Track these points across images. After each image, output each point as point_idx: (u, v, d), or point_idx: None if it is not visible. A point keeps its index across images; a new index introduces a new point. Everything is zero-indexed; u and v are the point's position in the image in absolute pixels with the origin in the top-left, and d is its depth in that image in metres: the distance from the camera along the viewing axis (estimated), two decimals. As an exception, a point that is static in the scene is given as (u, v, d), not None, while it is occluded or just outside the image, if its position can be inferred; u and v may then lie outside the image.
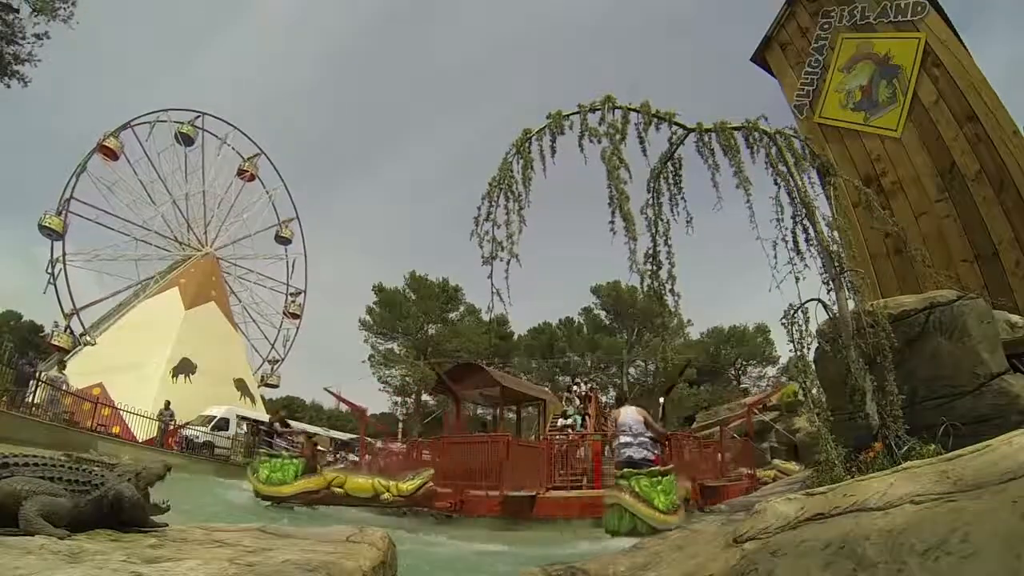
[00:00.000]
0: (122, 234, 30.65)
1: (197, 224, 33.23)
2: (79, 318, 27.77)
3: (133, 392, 21.80)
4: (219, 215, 33.96)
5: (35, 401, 15.75)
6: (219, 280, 32.98)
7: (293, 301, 37.42)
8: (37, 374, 16.92)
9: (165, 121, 31.47)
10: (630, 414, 7.41)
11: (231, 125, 34.40)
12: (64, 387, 17.46)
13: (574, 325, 44.43)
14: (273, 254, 36.95)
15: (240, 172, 34.48)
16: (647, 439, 7.38)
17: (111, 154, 29.55)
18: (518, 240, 4.78)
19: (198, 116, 32.76)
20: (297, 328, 37.69)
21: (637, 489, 7.05)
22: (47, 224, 27.39)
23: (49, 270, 27.50)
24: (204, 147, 33.15)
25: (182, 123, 31.82)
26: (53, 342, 27.34)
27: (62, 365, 24.93)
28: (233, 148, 34.47)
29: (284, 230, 36.66)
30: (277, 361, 37.11)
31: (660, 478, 7.27)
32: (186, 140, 32.01)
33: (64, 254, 27.67)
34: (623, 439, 7.38)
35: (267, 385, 36.69)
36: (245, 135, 34.97)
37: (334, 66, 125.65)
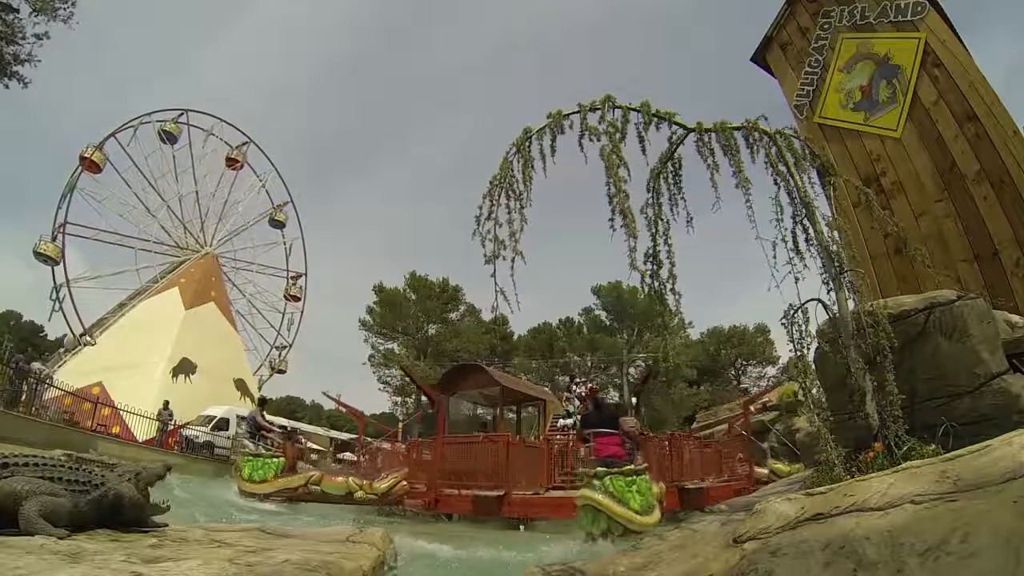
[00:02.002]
0: (122, 247, 30.65)
1: (193, 224, 33.17)
2: (89, 336, 27.61)
3: (133, 392, 21.79)
4: (214, 211, 33.91)
5: (31, 400, 15.71)
6: (219, 280, 32.96)
7: (294, 284, 37.55)
8: (36, 372, 16.89)
9: (148, 123, 31.13)
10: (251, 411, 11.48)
11: (216, 117, 34.07)
12: (48, 380, 17.37)
13: (574, 325, 44.43)
14: (271, 240, 37.06)
15: (230, 162, 34.21)
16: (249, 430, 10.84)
17: (95, 168, 29.09)
18: (520, 238, 4.77)
19: (181, 113, 32.44)
20: (301, 311, 37.88)
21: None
22: (42, 251, 27.13)
23: (53, 296, 27.35)
24: (191, 144, 32.90)
25: (165, 122, 31.48)
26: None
27: (44, 358, 24.91)
28: (221, 139, 34.23)
29: (278, 214, 36.64)
30: (285, 347, 37.29)
31: (251, 458, 11.15)
32: (170, 138, 31.58)
33: (68, 280, 27.44)
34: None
35: (277, 371, 36.86)
36: (231, 125, 34.70)
37: (334, 67, 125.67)
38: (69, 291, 27.35)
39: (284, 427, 23.46)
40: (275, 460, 11.45)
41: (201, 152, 33.27)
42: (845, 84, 8.86)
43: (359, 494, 10.78)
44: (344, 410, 17.51)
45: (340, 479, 11.36)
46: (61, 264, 27.44)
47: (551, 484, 10.42)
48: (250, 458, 11.53)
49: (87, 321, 28.00)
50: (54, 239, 27.58)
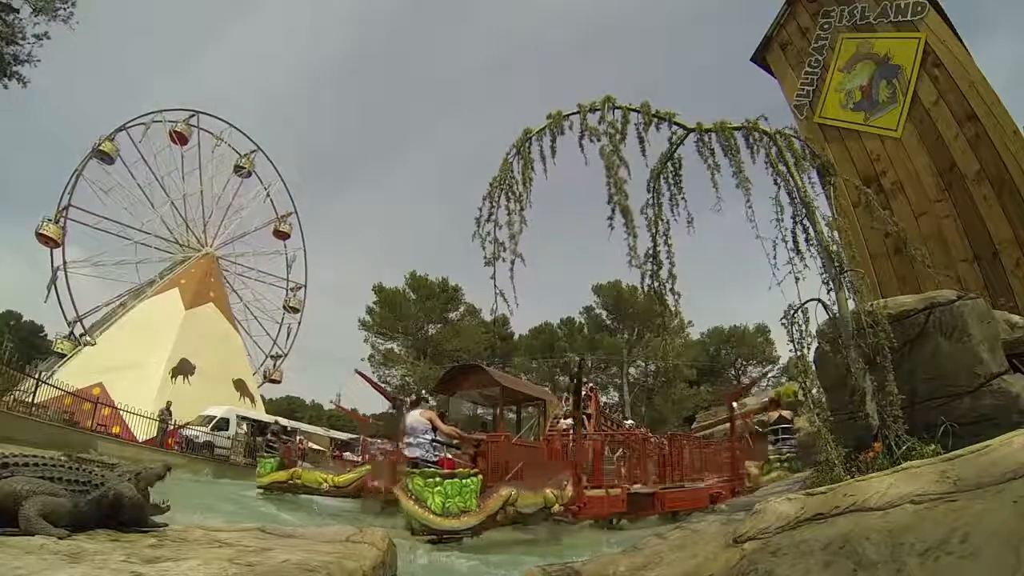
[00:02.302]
0: (122, 238, 30.71)
1: (196, 224, 33.22)
2: (82, 324, 27.72)
3: (133, 392, 21.80)
4: (217, 214, 33.98)
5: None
6: (219, 280, 32.99)
7: (293, 295, 37.54)
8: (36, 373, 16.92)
9: (160, 121, 31.27)
10: (415, 417, 7.89)
11: (226, 123, 34.23)
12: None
13: (575, 325, 44.44)
14: (272, 250, 37.04)
15: (237, 169, 34.33)
16: (426, 440, 7.63)
17: (107, 158, 29.38)
18: (519, 240, 4.77)
19: (193, 115, 32.52)
20: (298, 323, 37.84)
21: (412, 488, 6.95)
22: (44, 232, 27.20)
23: (50, 284, 27.44)
24: (200, 146, 32.98)
25: (176, 122, 31.64)
26: (56, 349, 27.40)
27: (43, 358, 25.09)
28: (230, 145, 34.36)
29: (282, 224, 36.59)
30: (280, 357, 37.24)
31: (440, 479, 7.32)
32: (181, 139, 31.72)
33: (65, 262, 27.55)
34: (407, 439, 7.86)
35: (271, 381, 36.83)
36: (241, 132, 34.84)
37: (335, 69, 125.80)
38: (65, 274, 27.46)
39: (283, 428, 23.40)
40: (473, 479, 7.64)
41: (209, 155, 33.44)
42: (845, 84, 8.86)
43: (556, 507, 8.36)
44: (376, 390, 16.93)
45: (532, 493, 8.24)
46: (61, 247, 27.56)
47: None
48: (438, 480, 7.38)
49: (82, 311, 28.18)
50: (57, 222, 27.65)
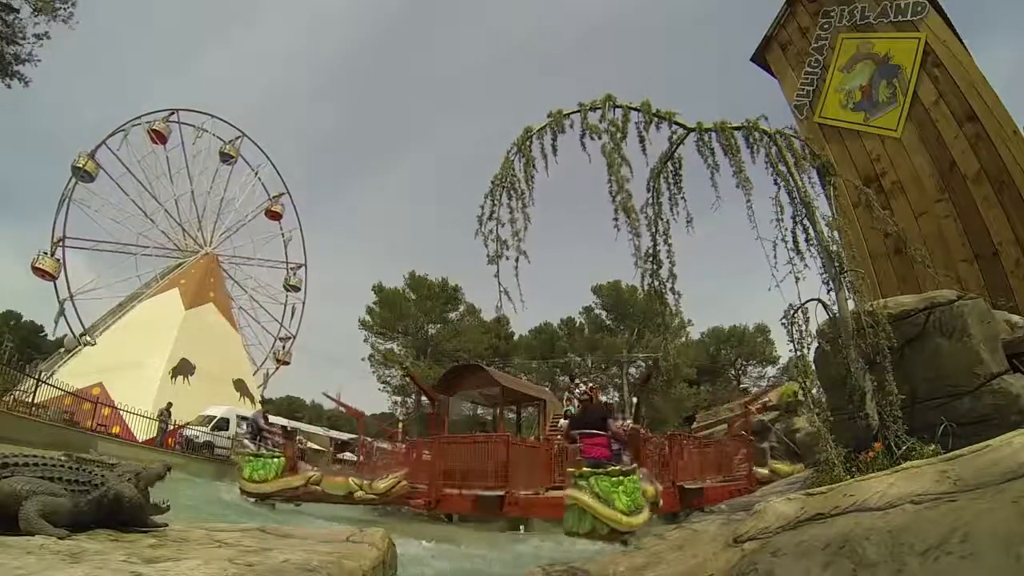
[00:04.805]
0: (121, 253, 30.60)
1: (191, 225, 33.09)
2: (86, 331, 27.61)
3: (133, 392, 21.79)
4: (211, 209, 33.79)
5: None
6: (219, 280, 32.94)
7: (293, 274, 37.64)
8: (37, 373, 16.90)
9: (139, 125, 30.73)
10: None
11: (207, 114, 33.78)
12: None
13: (575, 325, 44.42)
14: (269, 233, 37.05)
15: (223, 157, 33.96)
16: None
17: (87, 176, 28.80)
18: (524, 237, 4.75)
19: (172, 112, 32.06)
20: (303, 302, 38.02)
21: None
22: (40, 266, 26.84)
23: (57, 315, 27.25)
24: (184, 143, 32.62)
25: (154, 122, 31.02)
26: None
27: (44, 358, 24.97)
28: (214, 135, 34.00)
29: (275, 205, 36.52)
30: (289, 338, 37.42)
31: (253, 457, 11.52)
32: (160, 138, 31.07)
33: (71, 294, 27.30)
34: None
35: (282, 363, 37.09)
36: (223, 120, 34.48)
37: (335, 69, 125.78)
38: (73, 304, 27.35)
39: (285, 427, 23.55)
40: (276, 460, 11.86)
41: (194, 150, 33.07)
42: (845, 84, 8.86)
43: (359, 494, 10.94)
44: (344, 410, 17.53)
45: (340, 479, 11.62)
46: (60, 278, 27.23)
47: (551, 484, 10.41)
48: (251, 458, 11.91)
49: (89, 323, 28.06)
50: (52, 254, 27.32)
